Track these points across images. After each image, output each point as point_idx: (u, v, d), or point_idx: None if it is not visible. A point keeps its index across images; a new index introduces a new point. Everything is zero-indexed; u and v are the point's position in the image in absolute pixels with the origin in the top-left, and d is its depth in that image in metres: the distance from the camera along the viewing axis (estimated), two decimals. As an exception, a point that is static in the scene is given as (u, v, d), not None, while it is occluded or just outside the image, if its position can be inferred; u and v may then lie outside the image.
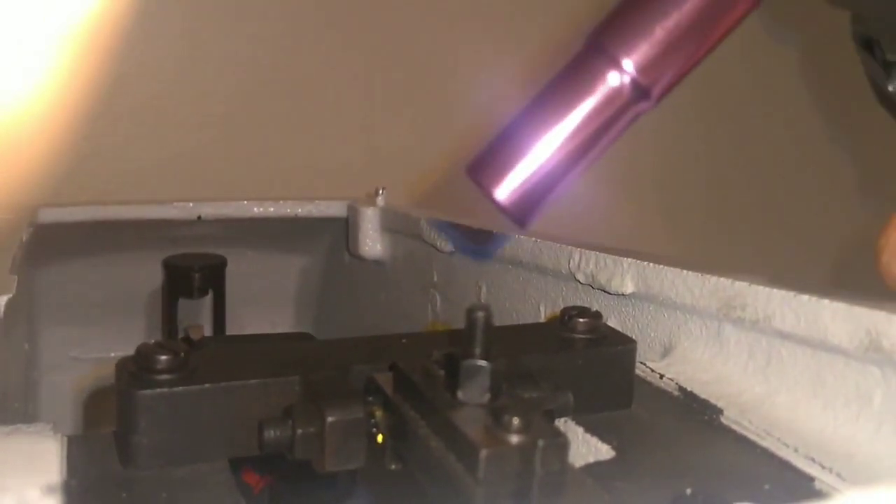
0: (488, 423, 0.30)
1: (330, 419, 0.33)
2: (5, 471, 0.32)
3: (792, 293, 0.40)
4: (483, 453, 0.28)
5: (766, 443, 0.38)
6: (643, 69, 0.29)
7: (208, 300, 0.97)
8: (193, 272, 0.93)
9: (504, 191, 0.29)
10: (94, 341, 0.97)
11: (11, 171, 1.04)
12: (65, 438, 0.35)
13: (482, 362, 0.32)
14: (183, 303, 0.95)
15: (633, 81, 0.29)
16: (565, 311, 0.43)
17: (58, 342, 0.96)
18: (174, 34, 1.13)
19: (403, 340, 0.40)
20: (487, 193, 0.30)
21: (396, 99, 1.25)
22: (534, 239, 0.59)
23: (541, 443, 0.29)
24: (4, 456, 0.34)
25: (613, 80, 0.30)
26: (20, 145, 1.06)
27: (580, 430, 0.39)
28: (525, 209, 0.30)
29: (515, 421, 0.29)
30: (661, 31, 0.29)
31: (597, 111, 0.29)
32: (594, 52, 0.30)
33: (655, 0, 0.30)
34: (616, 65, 0.29)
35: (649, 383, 0.45)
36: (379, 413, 0.35)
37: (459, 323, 0.33)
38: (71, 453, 0.34)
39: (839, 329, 0.38)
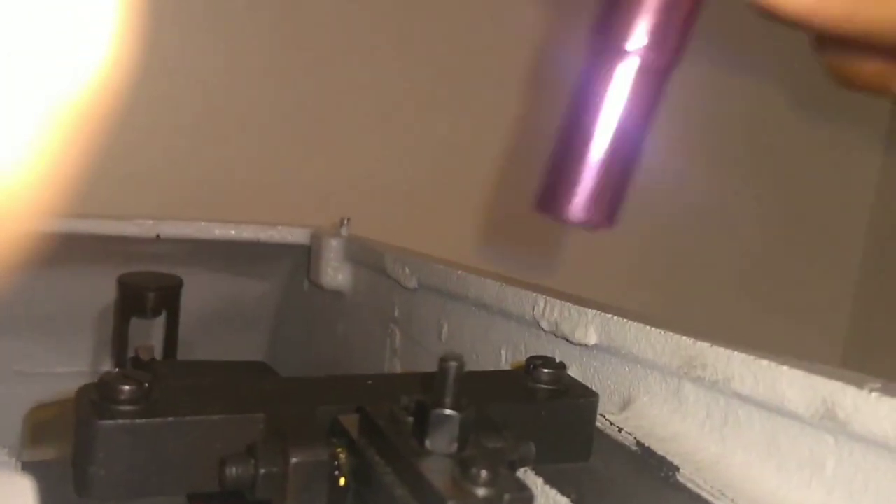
0: (455, 474, 0.30)
1: (294, 460, 0.33)
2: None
3: (752, 357, 0.41)
4: (449, 505, 0.28)
5: (719, 503, 0.39)
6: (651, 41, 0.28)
7: (161, 320, 0.96)
8: (148, 292, 0.91)
9: (579, 209, 0.29)
10: (41, 356, 0.94)
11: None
12: (19, 464, 0.34)
13: (452, 412, 0.32)
14: (135, 321, 0.94)
15: (643, 51, 0.28)
16: (530, 360, 0.43)
17: (2, 355, 0.93)
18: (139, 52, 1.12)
19: (369, 382, 0.40)
20: (565, 220, 0.29)
21: (365, 129, 1.26)
22: (499, 283, 0.60)
23: (507, 497, 0.29)
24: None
25: (624, 62, 0.28)
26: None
27: (539, 480, 0.39)
28: (606, 214, 0.29)
29: (483, 473, 0.29)
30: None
31: (633, 95, 0.28)
32: (600, 46, 0.28)
33: None
34: (620, 50, 0.28)
35: (608, 436, 0.45)
36: (343, 456, 0.35)
37: (418, 360, 0.33)
38: (24, 481, 0.34)
39: (796, 395, 0.39)
